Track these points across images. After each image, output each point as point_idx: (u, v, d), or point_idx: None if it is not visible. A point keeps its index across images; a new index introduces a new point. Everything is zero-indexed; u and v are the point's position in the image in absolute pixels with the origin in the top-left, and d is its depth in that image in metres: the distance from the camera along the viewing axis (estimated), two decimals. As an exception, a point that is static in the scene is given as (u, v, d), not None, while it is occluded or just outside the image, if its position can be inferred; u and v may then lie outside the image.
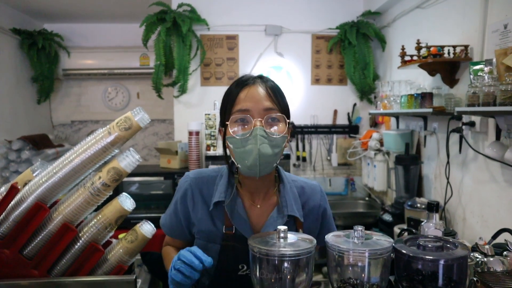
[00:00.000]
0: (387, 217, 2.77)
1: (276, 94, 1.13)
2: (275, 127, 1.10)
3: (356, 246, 0.84)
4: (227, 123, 1.11)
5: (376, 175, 3.31)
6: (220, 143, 3.08)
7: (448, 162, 2.38)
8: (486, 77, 1.80)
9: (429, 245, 0.83)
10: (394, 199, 2.90)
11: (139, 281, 1.52)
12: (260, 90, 1.12)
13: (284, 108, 1.14)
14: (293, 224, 1.20)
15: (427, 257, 0.80)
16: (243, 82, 1.14)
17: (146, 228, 1.36)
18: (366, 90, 3.63)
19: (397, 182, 2.87)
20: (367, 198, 3.71)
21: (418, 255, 0.81)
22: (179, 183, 1.29)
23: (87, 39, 4.28)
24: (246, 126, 1.09)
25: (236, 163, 1.13)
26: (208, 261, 0.99)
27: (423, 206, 2.42)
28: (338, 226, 3.25)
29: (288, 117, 1.14)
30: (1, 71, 3.47)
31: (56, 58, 4.02)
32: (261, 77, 1.17)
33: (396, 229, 2.56)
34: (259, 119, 1.08)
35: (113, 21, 4.27)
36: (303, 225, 1.21)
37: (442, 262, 0.79)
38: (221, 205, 1.18)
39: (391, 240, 0.87)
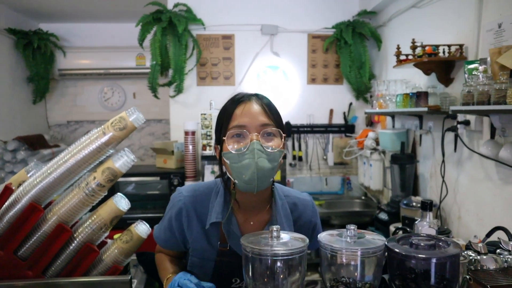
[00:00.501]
0: (383, 216, 2.77)
1: (271, 111, 1.14)
2: (271, 142, 1.10)
3: (349, 245, 0.84)
4: (224, 138, 1.11)
5: (372, 174, 3.32)
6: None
7: (443, 161, 2.39)
8: (480, 76, 1.81)
9: (422, 244, 0.83)
10: (390, 198, 2.91)
11: (135, 281, 1.53)
12: (256, 106, 1.13)
13: (279, 124, 1.15)
14: None
15: (419, 255, 0.80)
16: (238, 99, 1.15)
17: (141, 228, 1.36)
18: (362, 90, 3.64)
19: (393, 181, 2.88)
20: (363, 197, 3.72)
21: (410, 253, 0.81)
22: (172, 199, 1.28)
23: (83, 39, 4.27)
24: (242, 142, 1.09)
25: (233, 179, 1.12)
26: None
27: (419, 205, 2.43)
28: (334, 225, 3.27)
29: (284, 133, 1.15)
30: (-4, 71, 3.46)
31: (51, 58, 4.01)
32: (256, 95, 1.18)
33: (392, 228, 2.56)
34: (256, 133, 1.08)
35: (109, 20, 4.26)
36: None
37: (434, 260, 0.79)
38: (216, 224, 1.19)
39: (384, 238, 0.87)
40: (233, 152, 1.08)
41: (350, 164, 3.83)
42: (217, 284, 1.12)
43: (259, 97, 1.17)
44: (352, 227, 0.87)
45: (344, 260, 0.82)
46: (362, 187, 3.73)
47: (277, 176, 3.06)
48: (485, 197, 2.12)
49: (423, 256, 0.80)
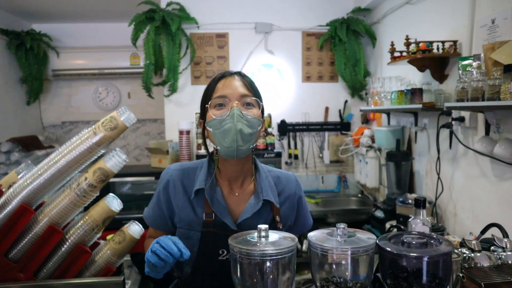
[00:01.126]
0: (379, 213, 2.77)
1: (251, 85, 1.25)
2: (250, 111, 1.20)
3: (339, 244, 0.83)
4: (207, 105, 1.22)
5: (368, 172, 3.31)
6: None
7: (438, 158, 2.39)
8: (474, 72, 1.80)
9: (413, 242, 0.82)
10: (386, 195, 2.91)
11: (129, 282, 1.52)
12: (237, 80, 1.24)
13: (258, 96, 1.25)
14: (270, 211, 1.27)
15: (410, 254, 0.79)
16: (221, 75, 1.26)
17: (134, 229, 1.35)
18: (357, 87, 3.63)
19: (388, 179, 2.88)
20: (359, 195, 3.72)
21: (402, 252, 0.80)
22: (161, 175, 1.32)
23: (76, 39, 4.24)
24: (224, 110, 1.19)
25: (215, 146, 1.21)
26: (187, 254, 1.05)
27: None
28: (330, 223, 3.26)
29: (262, 107, 1.24)
30: (-11, 72, 3.44)
31: (45, 59, 3.98)
32: (238, 72, 1.28)
33: (388, 225, 2.56)
34: (236, 101, 1.18)
35: (102, 20, 4.23)
36: (280, 212, 1.28)
37: (426, 259, 0.78)
38: (201, 193, 1.24)
39: (374, 237, 0.86)
40: (215, 119, 1.17)
41: (346, 162, 3.82)
42: (204, 255, 1.19)
43: (241, 74, 1.27)
44: (342, 225, 0.86)
45: (335, 259, 0.81)
46: (358, 185, 3.73)
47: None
48: (480, 193, 2.11)
49: (415, 254, 0.79)
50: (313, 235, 0.89)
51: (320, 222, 3.19)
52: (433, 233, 0.92)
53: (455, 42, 2.23)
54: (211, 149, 1.29)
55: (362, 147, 3.33)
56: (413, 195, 2.52)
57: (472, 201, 2.19)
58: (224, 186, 1.28)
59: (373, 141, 3.27)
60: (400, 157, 2.74)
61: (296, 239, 0.86)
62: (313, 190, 3.75)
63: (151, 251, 1.04)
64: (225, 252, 1.20)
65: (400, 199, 2.50)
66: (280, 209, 1.28)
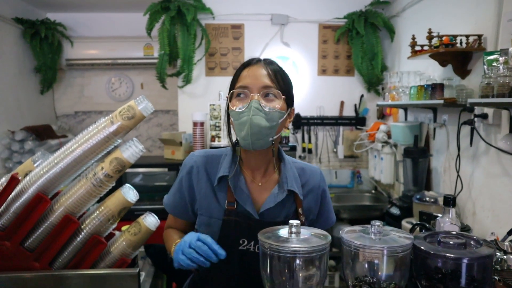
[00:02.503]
0: (395, 210, 2.72)
1: (276, 75, 1.19)
2: (271, 103, 1.16)
3: (373, 242, 0.79)
4: (227, 96, 1.20)
5: (383, 168, 3.26)
6: (224, 127, 3.04)
7: (458, 155, 2.33)
8: (501, 68, 1.73)
9: (451, 242, 0.78)
10: (402, 192, 2.85)
11: (143, 274, 1.50)
12: (261, 69, 1.19)
13: (283, 89, 1.19)
14: (293, 202, 1.24)
15: (450, 255, 0.75)
16: (247, 63, 1.23)
17: (150, 221, 1.33)
18: (374, 81, 3.57)
19: (405, 175, 2.82)
20: (373, 191, 3.66)
21: (440, 253, 0.76)
22: (184, 161, 1.31)
23: (90, 29, 4.22)
24: (244, 101, 1.16)
25: (236, 136, 1.21)
26: (223, 255, 1.02)
27: (432, 200, 2.37)
28: (343, 219, 3.22)
29: (289, 98, 1.21)
30: (4, 61, 3.43)
31: (59, 48, 3.97)
32: (265, 60, 1.24)
33: (405, 223, 2.51)
34: (257, 94, 1.15)
35: (117, 10, 4.20)
36: (303, 204, 1.25)
37: (465, 261, 0.74)
38: (224, 181, 1.22)
39: (411, 236, 0.82)
40: (234, 110, 1.15)
41: (361, 157, 3.77)
42: (225, 244, 1.14)
43: (266, 62, 1.22)
44: (378, 223, 0.81)
45: (368, 259, 0.77)
46: (372, 181, 3.67)
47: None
48: (502, 192, 2.05)
49: (455, 256, 0.75)
50: (345, 232, 0.85)
51: (333, 217, 3.15)
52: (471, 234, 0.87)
53: (479, 36, 2.16)
54: (234, 138, 1.27)
55: (378, 142, 3.27)
56: (431, 193, 2.47)
57: (492, 200, 2.13)
58: (247, 175, 1.26)
59: (389, 136, 3.21)
60: (417, 154, 2.68)
61: (329, 237, 0.82)
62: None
63: (185, 255, 1.02)
64: (246, 242, 1.17)
65: (417, 196, 2.44)
66: (304, 201, 1.25)
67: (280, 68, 1.24)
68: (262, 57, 1.26)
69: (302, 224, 1.20)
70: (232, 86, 1.22)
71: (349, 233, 0.84)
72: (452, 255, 0.75)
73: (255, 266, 1.00)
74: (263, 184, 1.26)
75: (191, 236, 1.07)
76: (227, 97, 1.22)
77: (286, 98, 1.19)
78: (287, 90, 1.21)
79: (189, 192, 1.26)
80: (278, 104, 1.16)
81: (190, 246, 1.03)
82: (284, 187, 1.23)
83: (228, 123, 1.26)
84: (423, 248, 0.79)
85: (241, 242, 1.18)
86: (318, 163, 3.73)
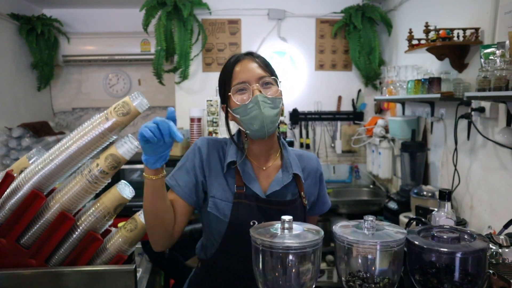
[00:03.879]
0: (393, 205, 2.72)
1: (265, 64, 1.29)
2: (270, 90, 1.24)
3: (367, 237, 0.79)
4: (229, 94, 1.25)
5: (381, 163, 3.26)
6: (221, 123, 3.03)
7: (456, 149, 2.33)
8: (498, 61, 1.73)
9: (445, 236, 0.78)
10: (400, 186, 2.85)
11: (140, 270, 1.50)
12: (252, 62, 1.27)
13: (274, 75, 1.29)
14: (295, 186, 1.31)
15: (443, 249, 0.75)
16: (235, 60, 1.29)
17: (146, 217, 1.32)
18: (371, 76, 3.56)
19: (403, 170, 2.82)
20: (371, 186, 3.67)
21: (433, 247, 0.75)
22: (193, 144, 1.35)
23: (87, 25, 4.20)
24: (246, 94, 1.23)
25: (244, 130, 1.26)
26: (181, 138, 1.04)
27: (430, 194, 2.37)
28: (342, 214, 3.23)
29: (280, 81, 1.30)
30: (0, 58, 3.42)
31: (55, 44, 3.94)
32: (251, 53, 1.32)
33: (402, 217, 2.51)
34: (256, 84, 1.22)
35: (113, 5, 4.17)
36: (304, 187, 1.33)
37: (459, 255, 0.74)
38: (231, 167, 1.28)
39: (404, 231, 0.81)
40: (241, 106, 1.21)
41: (358, 152, 3.77)
42: (236, 226, 1.21)
43: (253, 55, 1.30)
44: (371, 218, 0.81)
45: (361, 254, 0.77)
46: (370, 176, 3.68)
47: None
48: (499, 186, 2.06)
49: (448, 250, 0.74)
50: (338, 227, 0.85)
51: (331, 212, 3.15)
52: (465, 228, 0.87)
53: (477, 29, 2.15)
54: (233, 131, 1.34)
55: (375, 137, 3.27)
56: (428, 187, 2.47)
57: (490, 194, 2.14)
58: (253, 161, 1.33)
59: (386, 131, 3.21)
60: (415, 148, 2.69)
61: (322, 232, 0.82)
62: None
63: (146, 126, 1.02)
64: (256, 223, 1.21)
65: (415, 191, 2.45)
66: (304, 184, 1.33)
67: (263, 57, 1.33)
68: (257, 52, 1.33)
69: (306, 206, 1.30)
70: (228, 83, 1.27)
71: (342, 228, 0.83)
72: (445, 250, 0.75)
73: None
74: (267, 169, 1.32)
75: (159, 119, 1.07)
76: (229, 94, 1.25)
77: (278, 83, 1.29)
78: (275, 74, 1.30)
79: (202, 173, 1.28)
80: (275, 88, 1.25)
81: (155, 121, 1.03)
82: (289, 170, 1.30)
83: (227, 118, 1.31)
84: (416, 242, 0.78)
85: (251, 223, 1.22)
86: (316, 158, 3.73)
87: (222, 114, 1.38)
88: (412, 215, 2.48)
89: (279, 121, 1.27)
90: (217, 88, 3.41)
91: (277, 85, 1.27)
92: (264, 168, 1.32)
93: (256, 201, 1.23)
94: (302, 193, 1.30)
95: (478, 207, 2.23)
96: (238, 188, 1.25)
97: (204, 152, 1.30)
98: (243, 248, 1.15)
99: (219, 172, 1.29)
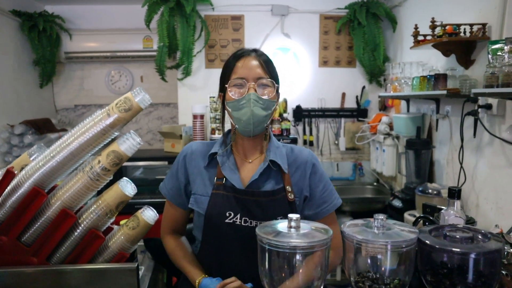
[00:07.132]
0: (397, 203, 2.70)
1: (268, 65, 1.31)
2: (265, 91, 1.28)
3: (377, 237, 0.76)
4: (226, 85, 1.30)
5: (385, 160, 3.23)
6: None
7: (462, 147, 2.30)
8: (506, 57, 1.70)
9: (457, 236, 0.76)
10: (404, 184, 2.83)
11: (142, 268, 1.48)
12: (254, 61, 1.30)
13: (273, 77, 1.31)
14: (281, 179, 1.31)
15: (457, 249, 0.72)
16: (240, 54, 1.33)
17: (148, 215, 1.31)
18: (376, 73, 3.53)
19: (407, 167, 2.79)
20: (375, 183, 3.64)
21: (447, 247, 0.73)
22: (181, 150, 1.43)
23: (89, 21, 4.17)
24: (241, 90, 1.27)
25: (234, 124, 1.31)
26: None
27: (435, 192, 2.35)
28: (345, 212, 3.20)
29: (278, 85, 1.33)
30: (2, 54, 3.40)
31: (57, 41, 3.92)
32: (255, 50, 1.34)
33: (407, 216, 2.49)
34: (253, 83, 1.26)
35: (115, 2, 4.15)
36: (291, 181, 1.31)
37: (473, 255, 0.71)
38: (215, 160, 1.33)
39: (416, 231, 0.79)
40: (233, 100, 1.26)
41: (362, 149, 3.74)
42: (212, 217, 1.26)
43: (258, 53, 1.33)
44: (381, 216, 0.79)
45: (371, 254, 0.74)
46: (374, 173, 3.65)
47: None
48: (506, 185, 2.03)
49: (462, 250, 0.72)
50: (347, 226, 0.82)
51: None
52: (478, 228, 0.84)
53: (484, 25, 2.12)
54: (228, 124, 1.38)
55: (380, 134, 3.24)
56: (434, 185, 2.44)
57: (496, 192, 2.11)
58: (239, 155, 1.37)
59: (391, 128, 3.18)
60: (420, 145, 2.65)
61: (331, 231, 0.80)
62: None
63: None
64: (232, 215, 1.24)
65: (420, 189, 2.42)
66: (292, 177, 1.32)
67: (270, 59, 1.35)
68: (260, 49, 1.35)
69: (293, 201, 1.27)
70: (228, 76, 1.31)
71: (351, 227, 0.81)
72: (459, 250, 0.72)
73: (247, 240, 1.14)
74: (253, 162, 1.35)
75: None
76: (226, 86, 1.30)
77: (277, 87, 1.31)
78: (276, 77, 1.33)
79: (183, 174, 1.36)
80: (271, 92, 1.28)
81: None
82: (266, 159, 1.32)
83: (223, 111, 1.37)
84: (428, 242, 0.76)
85: (227, 214, 1.25)
86: (319, 156, 3.70)
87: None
88: (417, 213, 2.45)
89: (268, 123, 1.31)
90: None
91: (274, 87, 1.30)
92: (250, 161, 1.35)
93: (233, 192, 1.26)
94: (287, 187, 1.29)
95: (484, 205, 2.20)
96: (218, 180, 1.29)
97: (188, 153, 1.37)
98: (222, 239, 1.24)
99: (201, 168, 1.34)
